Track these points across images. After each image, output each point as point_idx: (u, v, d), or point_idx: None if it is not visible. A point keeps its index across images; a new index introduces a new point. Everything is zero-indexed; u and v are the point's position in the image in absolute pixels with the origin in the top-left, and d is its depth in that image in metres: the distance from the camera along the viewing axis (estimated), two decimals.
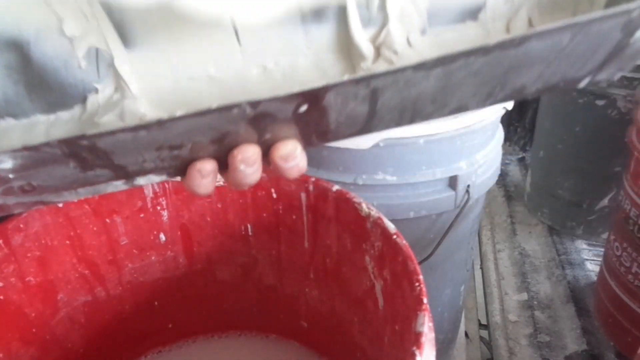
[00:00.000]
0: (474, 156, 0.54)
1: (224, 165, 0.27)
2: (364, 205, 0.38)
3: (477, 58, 0.25)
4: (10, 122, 0.33)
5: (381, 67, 0.34)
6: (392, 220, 0.36)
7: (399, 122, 0.30)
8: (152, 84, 0.33)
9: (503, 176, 0.95)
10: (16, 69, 0.33)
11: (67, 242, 0.41)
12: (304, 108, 0.25)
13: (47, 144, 0.21)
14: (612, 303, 0.57)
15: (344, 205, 0.40)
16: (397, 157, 0.50)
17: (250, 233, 0.46)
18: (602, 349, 0.60)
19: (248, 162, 0.27)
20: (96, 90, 0.34)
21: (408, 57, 0.34)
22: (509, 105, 0.55)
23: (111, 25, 0.33)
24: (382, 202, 0.51)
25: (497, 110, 0.55)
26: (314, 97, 0.24)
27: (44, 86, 0.33)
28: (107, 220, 0.43)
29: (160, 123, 0.22)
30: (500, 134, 0.60)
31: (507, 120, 0.96)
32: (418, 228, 0.54)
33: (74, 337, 0.44)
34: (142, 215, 0.44)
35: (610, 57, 0.30)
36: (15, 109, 0.33)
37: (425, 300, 0.30)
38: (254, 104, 0.23)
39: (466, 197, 0.53)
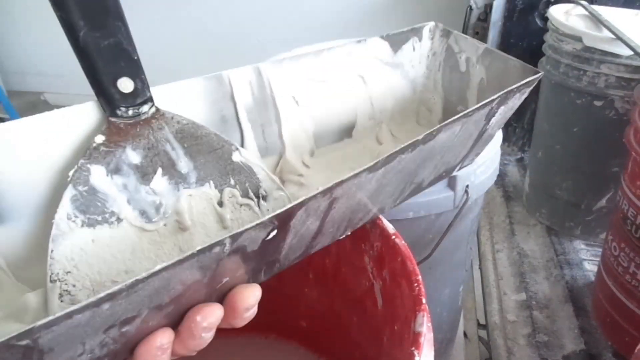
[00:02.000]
0: None
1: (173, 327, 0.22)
2: None
3: (408, 154, 0.28)
4: None
5: (290, 190, 0.36)
6: (391, 221, 0.36)
7: (335, 236, 0.31)
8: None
9: (502, 176, 0.95)
10: None
11: None
12: (273, 233, 0.23)
13: None
14: (610, 303, 0.57)
15: None
16: None
17: None
18: (600, 348, 0.60)
19: (213, 327, 0.22)
20: None
21: (310, 176, 0.37)
22: None
23: None
24: None
25: None
26: (287, 217, 0.23)
27: None
28: None
29: (133, 285, 0.17)
30: (498, 134, 0.60)
31: (506, 121, 0.94)
32: (417, 228, 0.54)
33: None
34: None
35: (475, 143, 0.36)
36: None
37: (424, 300, 0.30)
38: (235, 237, 0.20)
39: (465, 197, 0.53)
